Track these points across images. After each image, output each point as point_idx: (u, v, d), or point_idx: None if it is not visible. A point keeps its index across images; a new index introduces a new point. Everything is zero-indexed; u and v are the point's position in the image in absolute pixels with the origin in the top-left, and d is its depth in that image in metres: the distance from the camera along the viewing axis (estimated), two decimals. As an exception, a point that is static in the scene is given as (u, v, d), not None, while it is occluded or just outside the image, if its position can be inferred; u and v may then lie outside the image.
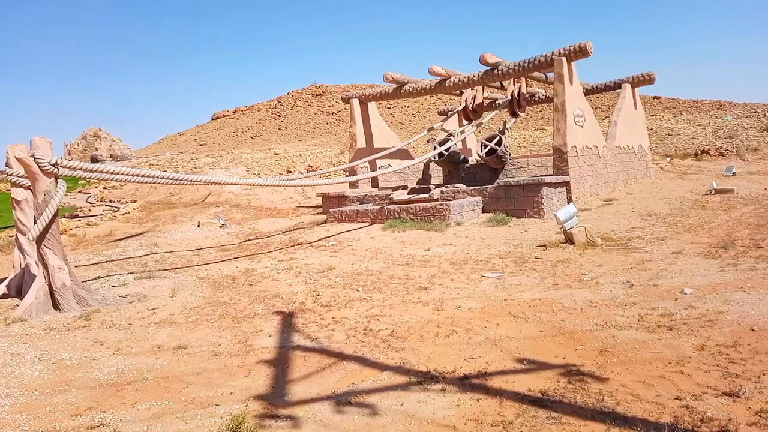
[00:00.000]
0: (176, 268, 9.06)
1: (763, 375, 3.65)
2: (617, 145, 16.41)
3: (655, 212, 11.38)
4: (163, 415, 3.72)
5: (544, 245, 8.74)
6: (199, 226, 13.53)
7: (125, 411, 3.82)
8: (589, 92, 18.67)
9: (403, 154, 17.96)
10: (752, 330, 4.43)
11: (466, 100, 16.71)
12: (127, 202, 19.89)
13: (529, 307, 5.62)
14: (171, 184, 7.87)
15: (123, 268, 9.11)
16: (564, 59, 13.36)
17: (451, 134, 15.69)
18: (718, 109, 41.46)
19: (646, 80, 18.23)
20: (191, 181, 8.10)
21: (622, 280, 6.32)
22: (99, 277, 8.34)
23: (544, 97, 20.46)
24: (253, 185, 13.37)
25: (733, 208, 11.19)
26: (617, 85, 18.69)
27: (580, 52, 13.32)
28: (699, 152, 23.08)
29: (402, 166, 14.08)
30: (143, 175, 7.21)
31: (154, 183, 7.56)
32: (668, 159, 22.85)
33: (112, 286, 7.75)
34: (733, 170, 17.83)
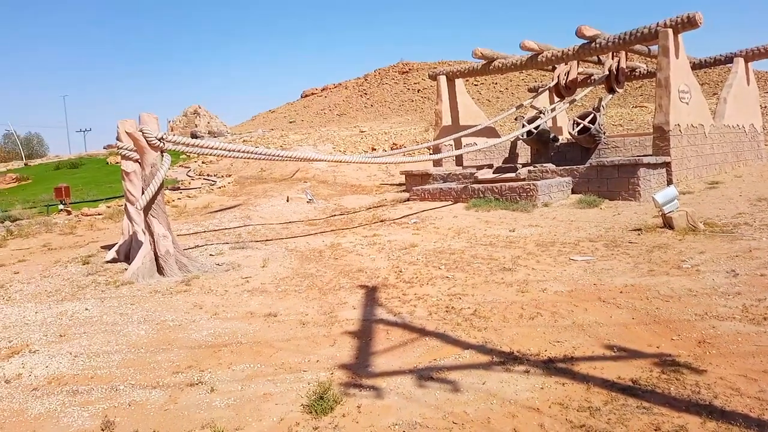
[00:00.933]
0: (267, 240, 9.48)
1: None
2: (726, 124, 15.13)
3: (765, 197, 10.43)
4: (256, 377, 3.94)
5: (639, 229, 8.29)
6: (288, 200, 14.04)
7: (221, 371, 4.09)
8: (696, 67, 17.27)
9: (489, 132, 17.58)
10: None
11: (558, 76, 16.02)
12: (222, 176, 21.00)
13: (621, 292, 5.38)
14: (262, 159, 8.21)
15: (219, 238, 9.66)
16: (670, 30, 12.42)
17: (541, 112, 15.14)
18: None
19: (762, 54, 16.53)
20: (281, 156, 8.39)
21: (726, 268, 5.88)
22: (198, 246, 8.90)
23: (645, 72, 19.14)
24: (339, 162, 13.64)
25: None
26: (728, 59, 17.12)
27: (688, 24, 12.32)
28: (823, 132, 20.78)
29: (488, 144, 13.81)
30: (238, 151, 7.57)
31: (248, 158, 7.92)
32: (785, 139, 20.77)
33: (210, 255, 8.25)
34: None
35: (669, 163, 12.14)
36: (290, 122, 60.36)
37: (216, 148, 7.42)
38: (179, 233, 9.95)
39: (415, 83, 63.39)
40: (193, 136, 39.08)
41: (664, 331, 4.32)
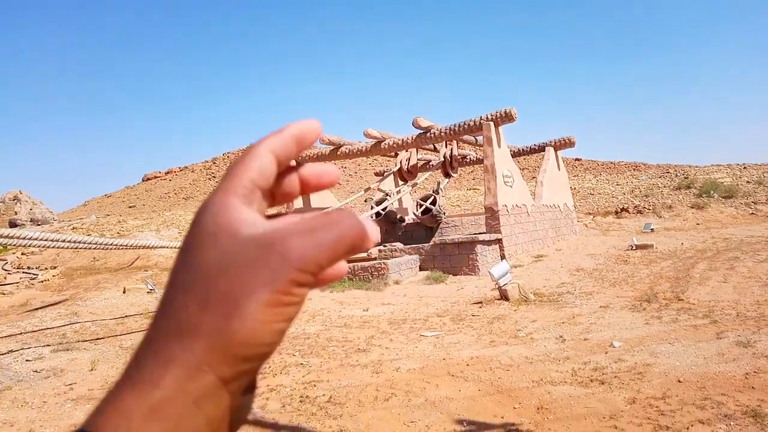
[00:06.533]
0: (97, 339, 8.48)
1: (692, 426, 3.77)
2: (544, 203, 17.19)
3: (582, 267, 11.86)
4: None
5: (480, 302, 8.87)
6: (124, 292, 12.86)
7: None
8: (516, 154, 19.64)
9: (339, 214, 18.01)
10: (679, 381, 4.60)
11: (401, 162, 17.15)
12: (46, 268, 18.71)
13: (467, 365, 5.62)
14: (94, 249, 7.49)
15: (39, 340, 8.44)
16: (491, 123, 14.07)
17: (387, 194, 15.97)
18: (633, 170, 44.54)
19: (567, 144, 19.42)
20: (116, 245, 7.75)
21: (555, 335, 6.47)
22: (12, 351, 7.67)
23: (474, 159, 21.31)
24: (185, 248, 12.87)
25: (653, 262, 11.84)
26: (541, 148, 19.78)
27: (506, 117, 14.09)
28: (619, 210, 24.51)
29: (339, 226, 14.08)
30: (64, 241, 6.85)
31: (76, 248, 7.17)
32: (591, 216, 24.11)
33: (26, 360, 7.14)
34: (651, 227, 19.01)
35: (501, 239, 13.36)
36: (130, 207, 56.55)
37: (37, 239, 6.64)
38: (-13, 337, 8.53)
39: (265, 167, 63.63)
40: (12, 224, 34.73)
41: (507, 400, 4.56)
